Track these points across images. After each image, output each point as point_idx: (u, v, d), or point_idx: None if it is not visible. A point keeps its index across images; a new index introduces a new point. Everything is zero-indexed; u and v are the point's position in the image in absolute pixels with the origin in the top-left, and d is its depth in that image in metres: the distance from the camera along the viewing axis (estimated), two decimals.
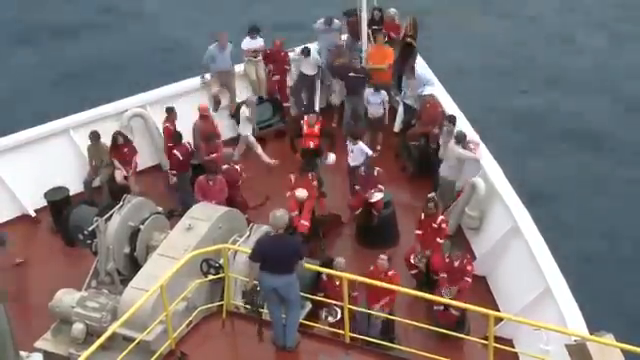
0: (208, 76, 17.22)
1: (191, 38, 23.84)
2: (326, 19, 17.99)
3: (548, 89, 22.82)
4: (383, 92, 16.46)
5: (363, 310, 11.20)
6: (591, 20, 26.35)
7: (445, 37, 24.34)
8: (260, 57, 17.60)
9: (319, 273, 11.46)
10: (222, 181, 14.16)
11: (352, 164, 14.83)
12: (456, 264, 12.35)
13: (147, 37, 25.80)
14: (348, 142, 15.01)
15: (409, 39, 17.08)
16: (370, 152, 14.85)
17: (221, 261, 10.60)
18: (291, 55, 17.89)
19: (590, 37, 25.26)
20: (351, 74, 16.85)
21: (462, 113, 15.79)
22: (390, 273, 11.95)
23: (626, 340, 8.93)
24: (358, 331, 10.87)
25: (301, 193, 13.78)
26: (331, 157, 14.96)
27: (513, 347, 11.44)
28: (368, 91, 16.48)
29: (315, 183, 14.09)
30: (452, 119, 15.16)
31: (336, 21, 18.06)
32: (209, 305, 10.61)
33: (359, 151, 14.81)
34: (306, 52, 17.55)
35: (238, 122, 16.65)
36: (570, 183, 19.03)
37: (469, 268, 12.39)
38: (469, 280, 12.29)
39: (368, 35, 17.43)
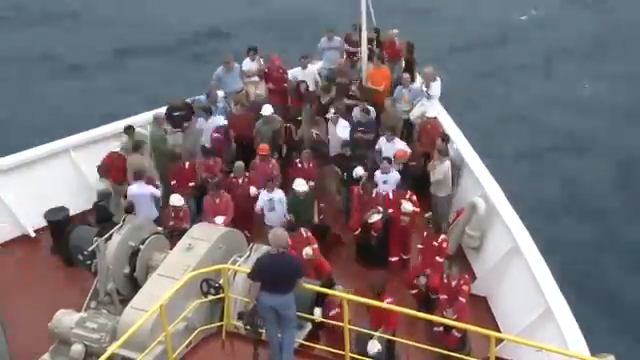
0: (221, 93, 17.22)
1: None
2: (328, 36, 18.10)
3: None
4: (372, 113, 16.26)
5: (365, 331, 11.11)
6: None
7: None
8: (258, 78, 17.70)
9: (319, 293, 11.41)
10: (227, 197, 14.22)
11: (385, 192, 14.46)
12: (453, 284, 12.32)
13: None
14: (379, 173, 14.77)
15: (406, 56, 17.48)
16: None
17: (221, 281, 10.57)
18: (290, 72, 17.98)
19: None
20: (350, 93, 16.88)
21: (462, 132, 15.86)
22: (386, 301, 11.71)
23: None
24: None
25: (308, 251, 13.15)
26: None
27: None
28: (356, 110, 16.27)
29: (310, 234, 13.49)
30: (445, 137, 15.20)
31: (337, 38, 18.17)
32: (209, 325, 10.57)
33: (395, 179, 14.69)
34: (304, 63, 17.69)
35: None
36: (571, 202, 19.08)
37: (465, 288, 12.30)
38: (463, 300, 12.21)
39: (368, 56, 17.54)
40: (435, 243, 13.20)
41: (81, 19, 29.56)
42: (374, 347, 11.20)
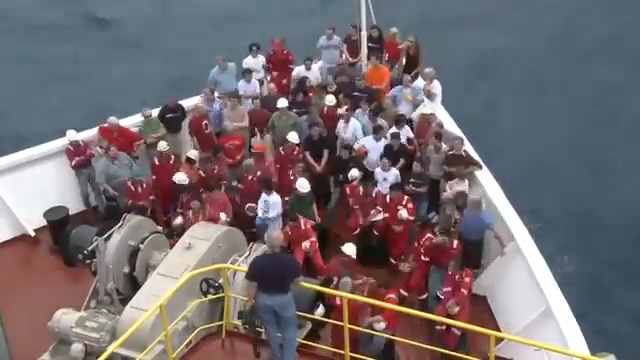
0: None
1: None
2: (327, 34, 18.13)
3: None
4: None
5: (366, 330, 11.12)
6: None
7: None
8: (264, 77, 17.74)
9: (318, 293, 11.41)
10: (223, 195, 14.22)
11: (384, 192, 14.50)
12: (456, 277, 12.38)
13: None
14: (379, 170, 14.84)
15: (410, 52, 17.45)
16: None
17: (221, 280, 10.57)
18: (294, 71, 18.00)
19: None
20: (355, 93, 16.88)
21: (462, 131, 15.84)
22: (387, 297, 11.78)
23: None
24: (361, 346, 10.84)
25: (306, 244, 13.44)
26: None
27: None
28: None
29: (309, 225, 13.76)
30: (438, 136, 15.20)
31: (336, 37, 18.20)
32: (209, 325, 10.56)
33: (394, 177, 14.70)
34: (308, 65, 17.71)
35: None
36: (570, 200, 19.08)
37: (467, 280, 12.37)
38: (464, 292, 12.25)
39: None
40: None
41: None
42: (380, 325, 11.34)
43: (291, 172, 14.88)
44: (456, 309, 11.97)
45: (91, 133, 16.20)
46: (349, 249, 12.92)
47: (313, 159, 15.56)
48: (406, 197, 14.23)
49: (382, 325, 11.36)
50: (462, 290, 12.26)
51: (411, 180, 14.73)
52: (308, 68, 17.84)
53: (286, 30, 19.55)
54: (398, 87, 16.83)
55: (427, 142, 15.42)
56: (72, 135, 15.65)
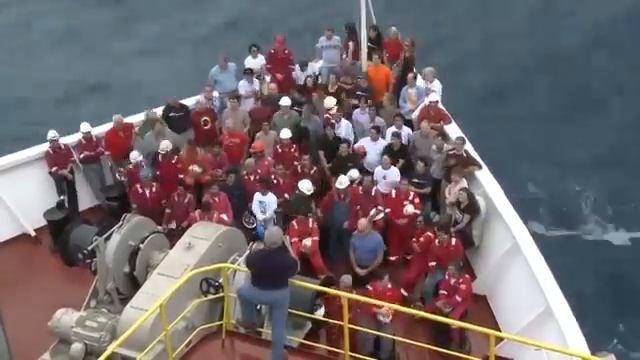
0: (215, 93, 17.16)
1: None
2: (327, 34, 18.13)
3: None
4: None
5: (367, 330, 11.11)
6: None
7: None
8: (262, 76, 17.72)
9: (318, 292, 11.40)
10: (225, 196, 14.24)
11: (383, 190, 14.60)
12: (452, 282, 12.38)
13: None
14: (379, 169, 14.91)
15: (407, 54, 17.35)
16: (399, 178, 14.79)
17: (221, 280, 10.56)
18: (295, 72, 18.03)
19: None
20: (358, 92, 16.89)
21: (462, 131, 15.84)
22: (389, 293, 11.89)
23: None
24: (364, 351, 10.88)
25: (307, 242, 13.53)
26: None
27: None
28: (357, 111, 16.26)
29: (315, 226, 13.85)
30: (442, 135, 15.21)
31: (335, 37, 18.20)
32: (209, 325, 10.56)
33: (394, 175, 14.73)
34: (302, 65, 17.75)
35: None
36: (569, 199, 19.09)
37: (462, 287, 12.40)
38: (458, 299, 12.30)
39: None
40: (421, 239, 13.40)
41: None
42: (386, 317, 11.51)
43: (273, 176, 14.82)
44: (446, 310, 12.01)
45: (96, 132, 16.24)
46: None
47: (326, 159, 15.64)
48: (412, 192, 14.27)
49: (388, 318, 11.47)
50: (456, 297, 12.32)
51: (414, 180, 14.72)
52: (303, 70, 17.82)
53: (286, 30, 19.57)
54: (404, 87, 16.85)
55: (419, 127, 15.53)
56: (85, 127, 15.69)
